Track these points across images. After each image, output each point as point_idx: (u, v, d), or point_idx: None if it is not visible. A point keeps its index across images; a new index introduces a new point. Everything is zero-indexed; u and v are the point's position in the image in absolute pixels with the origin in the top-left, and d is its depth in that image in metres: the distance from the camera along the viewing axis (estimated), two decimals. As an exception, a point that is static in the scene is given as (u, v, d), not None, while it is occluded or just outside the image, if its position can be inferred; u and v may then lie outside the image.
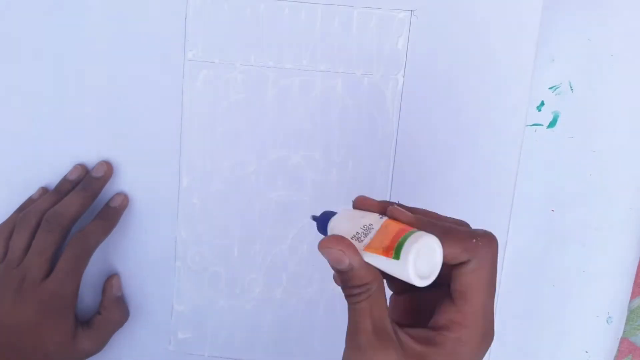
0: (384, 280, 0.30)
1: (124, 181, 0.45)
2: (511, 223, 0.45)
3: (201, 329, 0.47)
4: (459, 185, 0.45)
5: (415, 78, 0.43)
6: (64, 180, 0.45)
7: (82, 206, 0.43)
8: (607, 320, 0.46)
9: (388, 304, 0.30)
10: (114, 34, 0.43)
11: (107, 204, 0.45)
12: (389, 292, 0.31)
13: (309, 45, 0.43)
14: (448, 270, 0.29)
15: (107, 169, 0.45)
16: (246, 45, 0.43)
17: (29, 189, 0.46)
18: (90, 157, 0.45)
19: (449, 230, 0.28)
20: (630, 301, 0.47)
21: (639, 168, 0.45)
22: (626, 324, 0.47)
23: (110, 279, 0.46)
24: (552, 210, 0.45)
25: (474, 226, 0.44)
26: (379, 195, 0.45)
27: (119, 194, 0.45)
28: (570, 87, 0.44)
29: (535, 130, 0.45)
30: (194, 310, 0.47)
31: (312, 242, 0.46)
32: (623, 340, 0.47)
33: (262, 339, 0.47)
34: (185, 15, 0.43)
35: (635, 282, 0.46)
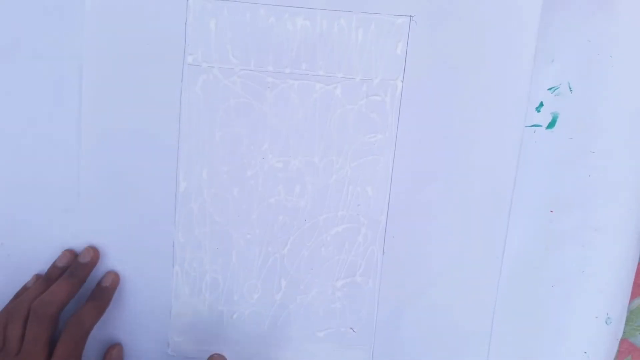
0: None
1: (121, 185, 0.45)
2: (510, 224, 0.45)
3: (200, 334, 0.47)
4: (459, 187, 0.45)
5: (414, 83, 0.43)
6: (53, 267, 0.46)
7: (70, 293, 0.44)
8: (606, 321, 0.46)
9: None
10: (113, 39, 0.43)
11: (99, 284, 0.46)
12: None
13: (308, 50, 0.43)
14: None
15: (94, 255, 0.46)
16: (246, 50, 0.43)
17: (25, 190, 0.46)
18: (88, 159, 0.45)
19: None
20: (630, 302, 0.47)
21: (639, 168, 0.45)
22: (626, 324, 0.47)
23: (112, 350, 0.47)
24: (551, 211, 0.45)
25: (472, 228, 0.45)
26: (378, 199, 0.45)
27: (109, 272, 0.46)
28: (570, 88, 0.44)
29: (535, 131, 0.45)
30: (193, 315, 0.47)
31: (311, 248, 0.46)
32: (623, 341, 0.47)
33: (260, 345, 0.48)
34: (185, 19, 0.43)
35: (634, 283, 0.46)
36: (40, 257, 0.47)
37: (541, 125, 0.45)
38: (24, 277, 0.46)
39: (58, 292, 0.43)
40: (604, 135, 0.44)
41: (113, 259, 0.46)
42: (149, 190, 0.45)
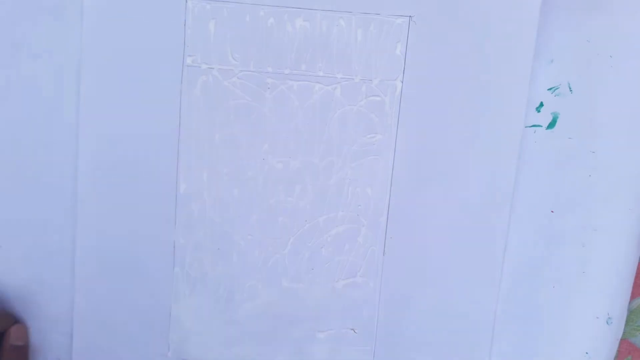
0: None
1: (121, 187, 0.45)
2: (511, 224, 0.45)
3: (200, 335, 0.47)
4: (459, 187, 0.45)
5: (413, 83, 0.43)
6: None
7: None
8: (607, 321, 0.46)
9: None
10: (112, 40, 0.43)
11: (10, 344, 0.43)
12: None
13: (307, 50, 0.43)
14: None
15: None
16: (245, 51, 0.43)
17: (24, 191, 0.46)
18: (87, 161, 0.45)
19: None
20: (630, 302, 0.47)
21: (639, 168, 0.45)
22: (626, 324, 0.47)
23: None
24: (552, 212, 0.45)
25: (472, 228, 0.45)
26: (378, 200, 0.45)
27: (18, 326, 0.44)
28: (569, 88, 0.44)
29: (535, 132, 0.45)
30: (193, 317, 0.47)
31: (311, 248, 0.46)
32: (623, 341, 0.47)
33: (261, 345, 0.47)
34: (185, 21, 0.43)
35: (635, 283, 0.46)
36: (40, 259, 0.47)
37: (541, 126, 0.44)
38: (23, 278, 0.47)
39: None
40: (604, 135, 0.44)
41: (113, 261, 0.46)
42: (148, 191, 0.45)
